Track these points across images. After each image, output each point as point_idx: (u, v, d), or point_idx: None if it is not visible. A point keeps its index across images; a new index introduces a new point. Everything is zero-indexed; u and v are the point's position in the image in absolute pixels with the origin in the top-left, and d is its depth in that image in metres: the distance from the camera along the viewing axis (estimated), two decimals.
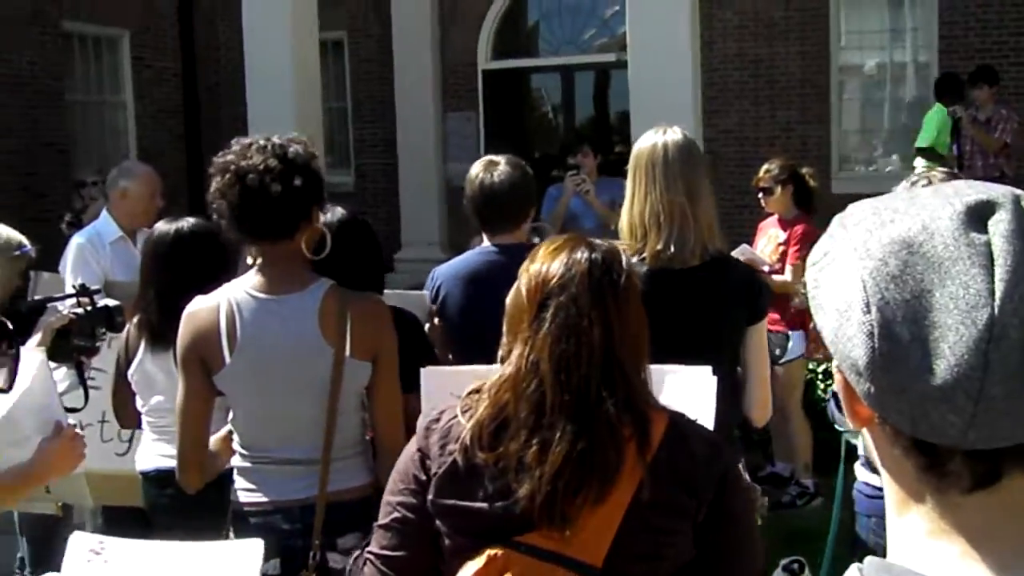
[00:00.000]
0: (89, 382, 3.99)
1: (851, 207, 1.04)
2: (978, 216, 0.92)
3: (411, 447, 2.02)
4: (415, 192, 12.81)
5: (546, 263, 1.94)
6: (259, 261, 2.89)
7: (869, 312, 0.92)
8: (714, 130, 10.91)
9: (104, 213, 5.29)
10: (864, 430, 1.03)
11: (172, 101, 13.22)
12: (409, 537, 1.96)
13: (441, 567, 1.96)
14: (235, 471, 2.95)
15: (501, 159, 3.69)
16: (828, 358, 5.00)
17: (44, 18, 11.55)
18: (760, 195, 6.28)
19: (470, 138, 13.00)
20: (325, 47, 10.53)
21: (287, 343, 2.80)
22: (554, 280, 1.91)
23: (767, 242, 6.26)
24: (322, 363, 2.79)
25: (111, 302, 3.48)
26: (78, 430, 3.00)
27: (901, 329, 0.91)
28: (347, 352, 2.80)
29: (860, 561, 3.05)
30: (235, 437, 2.95)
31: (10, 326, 3.07)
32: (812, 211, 6.31)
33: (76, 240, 5.16)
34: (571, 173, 6.67)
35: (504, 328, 2.00)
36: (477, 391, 1.98)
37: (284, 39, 9.32)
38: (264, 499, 2.86)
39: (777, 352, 5.80)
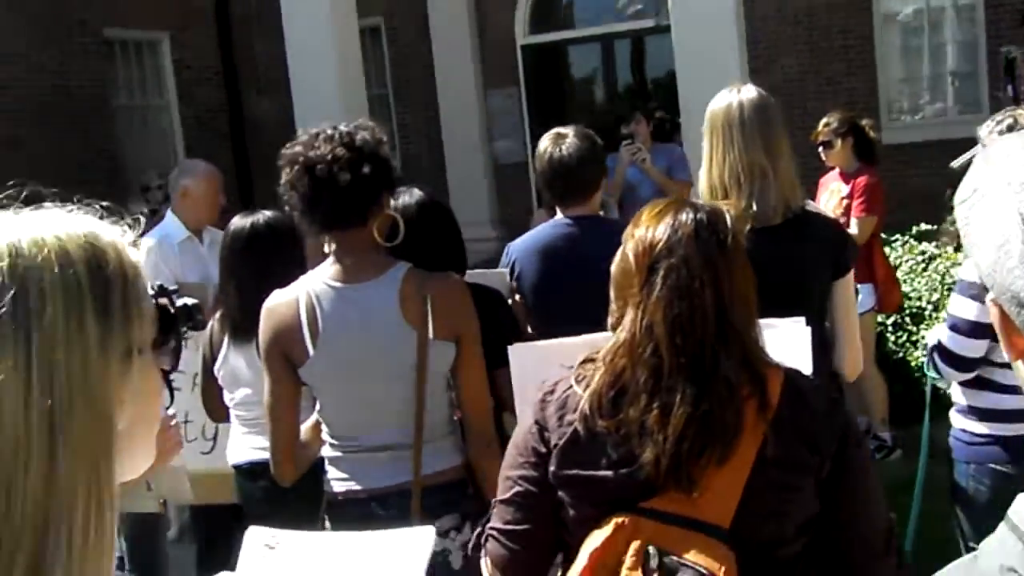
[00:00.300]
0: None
1: (993, 143, 1.05)
2: None
3: (527, 420, 2.01)
4: (462, 172, 12.80)
5: (651, 227, 1.93)
6: (334, 250, 2.89)
7: None
8: (759, 87, 10.78)
9: (169, 214, 5.30)
10: (1019, 362, 1.04)
11: (215, 101, 13.30)
12: (532, 510, 1.96)
13: (565, 538, 1.96)
14: (327, 461, 2.95)
15: (569, 131, 3.70)
16: (896, 310, 4.91)
17: (86, 27, 11.65)
18: (820, 149, 6.20)
19: (513, 115, 12.97)
20: (362, 34, 10.51)
21: (370, 330, 2.80)
22: (661, 243, 1.89)
23: (829, 196, 6.17)
24: (407, 347, 2.78)
25: (190, 300, 3.48)
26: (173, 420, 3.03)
27: None
28: (430, 334, 2.79)
29: (960, 508, 3.01)
30: (324, 427, 2.96)
31: (172, 310, 3.13)
32: (874, 162, 6.23)
33: (146, 242, 5.18)
34: (626, 143, 6.62)
35: (612, 295, 1.99)
36: (591, 360, 1.97)
37: (325, 30, 9.33)
38: (358, 487, 2.87)
39: None
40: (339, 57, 9.43)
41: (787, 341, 2.26)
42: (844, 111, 6.48)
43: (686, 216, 1.91)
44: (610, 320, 1.99)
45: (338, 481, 2.90)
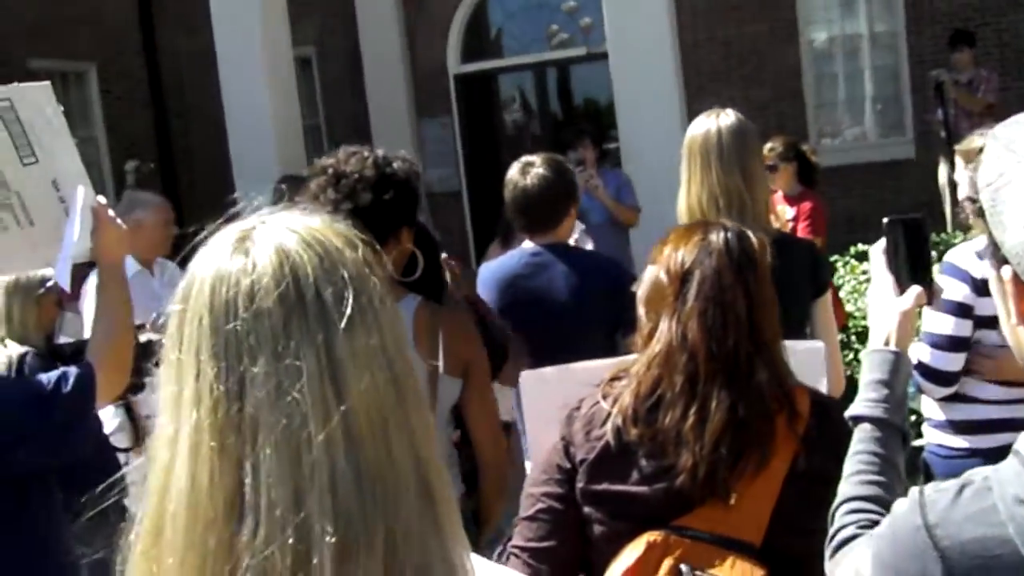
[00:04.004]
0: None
1: (1004, 131, 1.18)
2: None
3: (552, 438, 2.02)
4: None
5: (682, 244, 1.99)
6: None
7: None
8: (692, 115, 10.92)
9: None
10: (1021, 328, 1.20)
11: (143, 132, 13.11)
12: (556, 527, 1.95)
13: (590, 556, 1.95)
14: None
15: (537, 159, 3.72)
16: (841, 329, 4.97)
17: (10, 58, 11.42)
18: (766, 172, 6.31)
19: (447, 144, 12.98)
20: (294, 64, 10.46)
21: None
22: (694, 256, 1.95)
23: (774, 220, 6.28)
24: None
25: (154, 336, 3.43)
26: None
27: None
28: (441, 369, 2.74)
29: None
30: None
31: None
32: (815, 185, 6.36)
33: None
34: (579, 169, 6.67)
35: (642, 312, 2.02)
36: (618, 378, 1.99)
37: (258, 61, 9.28)
38: None
39: None
40: (273, 88, 9.38)
41: (804, 364, 2.28)
42: (787, 136, 6.61)
43: (716, 234, 1.98)
44: (639, 338, 2.01)
45: None
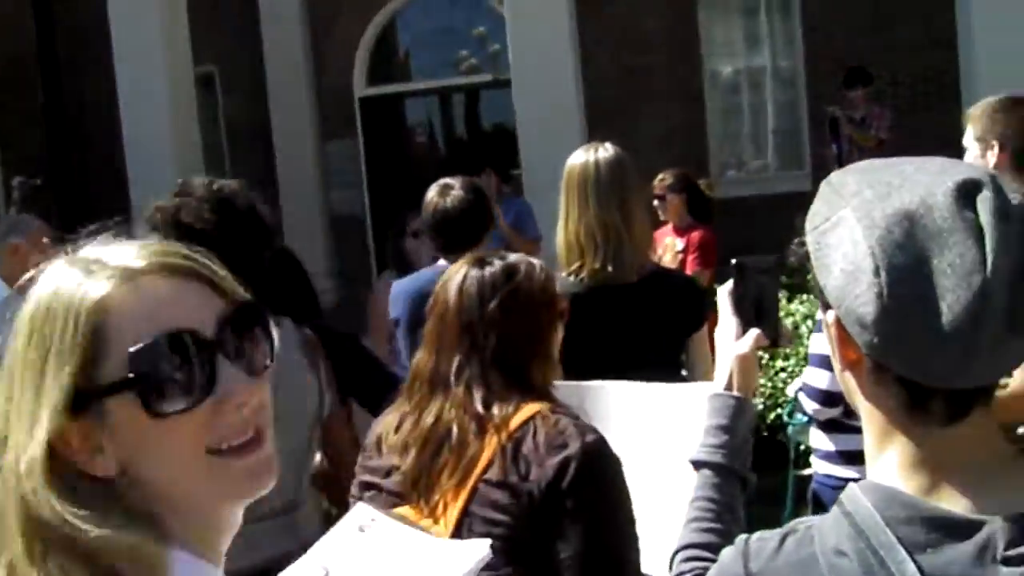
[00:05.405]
0: None
1: (837, 176, 1.18)
2: (966, 193, 1.06)
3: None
4: (298, 223, 12.59)
5: (445, 277, 2.25)
6: None
7: (879, 275, 1.06)
8: (616, 146, 10.98)
9: None
10: (846, 374, 1.19)
11: (38, 147, 12.77)
12: None
13: None
14: None
15: (455, 182, 3.78)
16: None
17: None
18: (655, 203, 6.38)
19: (352, 165, 12.88)
20: (196, 82, 10.28)
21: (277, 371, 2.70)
22: (438, 289, 2.22)
23: (664, 251, 6.36)
24: (310, 395, 2.72)
25: None
26: None
27: (905, 290, 1.06)
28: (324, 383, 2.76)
29: None
30: None
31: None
32: (709, 219, 6.44)
33: None
34: None
35: None
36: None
37: (158, 77, 9.14)
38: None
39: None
40: (172, 105, 9.25)
41: (692, 403, 2.35)
42: (680, 168, 6.69)
43: (463, 268, 2.21)
44: None
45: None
